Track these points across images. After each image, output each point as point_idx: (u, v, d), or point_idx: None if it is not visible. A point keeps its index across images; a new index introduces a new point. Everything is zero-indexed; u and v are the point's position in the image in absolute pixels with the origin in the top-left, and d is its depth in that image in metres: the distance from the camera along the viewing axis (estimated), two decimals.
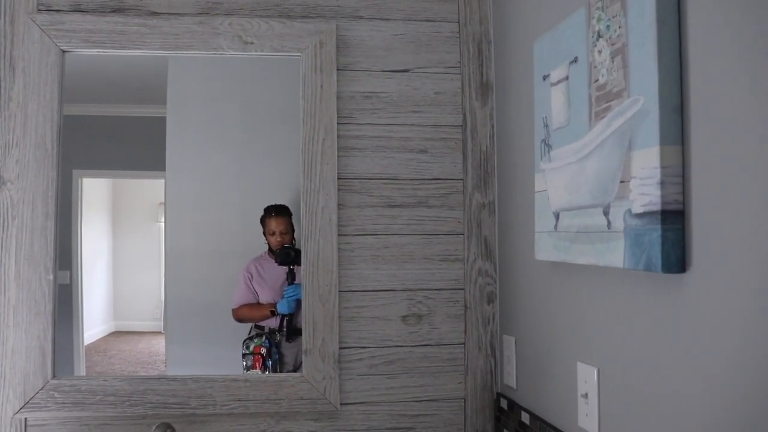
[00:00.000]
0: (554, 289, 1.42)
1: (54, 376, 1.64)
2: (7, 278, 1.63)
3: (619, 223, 1.05)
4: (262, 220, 1.80)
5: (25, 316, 1.63)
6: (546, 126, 1.36)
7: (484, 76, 1.82)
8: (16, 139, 1.66)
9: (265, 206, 1.81)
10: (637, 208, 0.99)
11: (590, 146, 1.15)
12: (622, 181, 1.04)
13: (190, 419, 1.68)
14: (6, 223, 1.64)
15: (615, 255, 1.06)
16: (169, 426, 1.54)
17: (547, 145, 1.35)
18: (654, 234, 0.95)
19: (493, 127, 1.82)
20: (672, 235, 0.94)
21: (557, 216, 1.30)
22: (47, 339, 1.63)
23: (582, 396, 1.26)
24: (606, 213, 1.09)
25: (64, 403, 1.63)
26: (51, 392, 1.63)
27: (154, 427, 1.54)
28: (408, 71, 1.80)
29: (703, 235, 0.91)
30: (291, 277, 1.80)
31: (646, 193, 0.97)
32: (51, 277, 1.64)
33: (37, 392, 1.62)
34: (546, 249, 1.37)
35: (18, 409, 1.62)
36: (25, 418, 1.64)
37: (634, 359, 1.09)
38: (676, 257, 0.94)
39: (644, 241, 0.98)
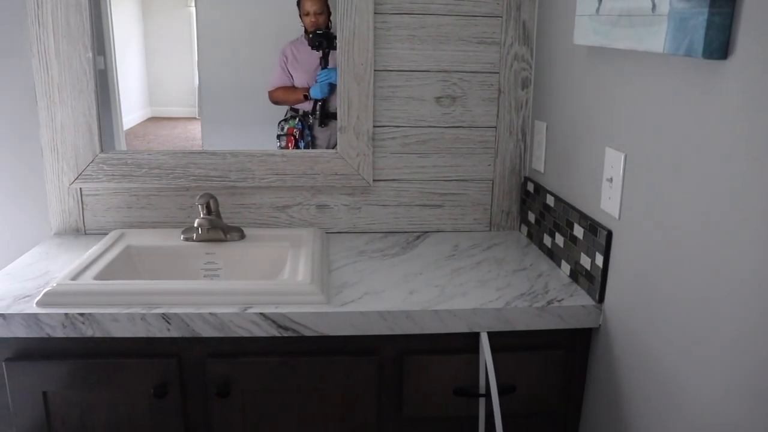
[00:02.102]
0: (590, 75, 1.41)
1: (102, 150, 1.72)
2: (48, 56, 1.66)
3: (664, 6, 1.01)
4: (298, 2, 1.76)
5: (69, 93, 1.68)
6: None
7: None
8: None
9: None
10: None
11: None
12: None
13: (231, 191, 1.78)
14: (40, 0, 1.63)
15: (656, 39, 1.04)
16: (211, 196, 1.63)
17: None
18: (700, 18, 0.93)
19: None
20: (718, 19, 0.91)
21: None
22: (92, 115, 1.70)
23: (607, 180, 1.30)
24: None
25: (113, 175, 1.73)
26: (100, 165, 1.72)
27: (198, 197, 1.63)
28: None
29: (751, 23, 0.88)
30: (325, 62, 1.79)
31: None
32: (90, 55, 1.66)
33: (88, 165, 1.72)
34: (585, 33, 1.34)
35: (73, 179, 1.72)
36: (80, 188, 1.75)
37: (663, 146, 1.10)
38: (719, 43, 0.92)
39: (688, 25, 0.95)
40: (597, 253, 1.34)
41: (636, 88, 1.20)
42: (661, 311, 1.11)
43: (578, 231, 1.44)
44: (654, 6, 1.05)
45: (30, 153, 1.75)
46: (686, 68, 1.03)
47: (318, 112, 1.83)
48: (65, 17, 1.64)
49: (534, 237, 1.74)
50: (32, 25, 1.64)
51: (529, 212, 1.78)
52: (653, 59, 1.13)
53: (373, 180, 1.80)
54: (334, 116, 1.78)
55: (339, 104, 1.73)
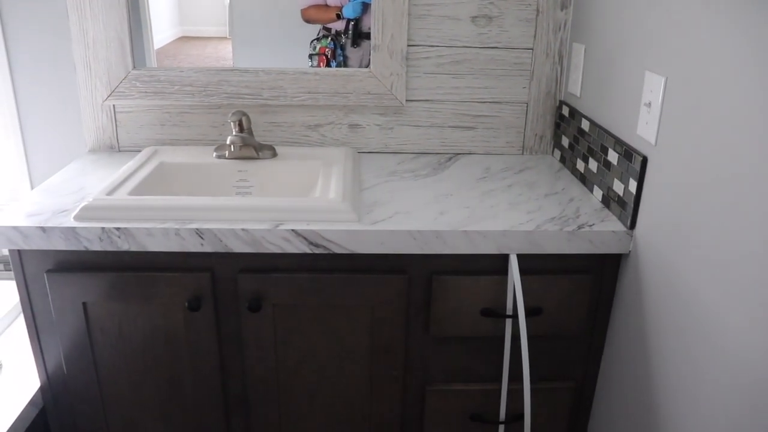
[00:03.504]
0: None
1: (134, 67, 1.72)
2: None
3: None
4: None
5: (101, 8, 1.66)
6: None
7: None
8: None
9: None
10: None
11: None
12: None
13: (263, 109, 1.78)
14: None
15: None
16: (244, 114, 1.63)
17: None
18: None
19: None
20: None
21: None
22: (124, 30, 1.68)
23: (645, 105, 1.27)
24: None
25: (146, 92, 1.73)
26: (133, 82, 1.72)
27: (230, 114, 1.63)
28: None
29: None
30: None
31: None
32: None
33: (121, 82, 1.72)
34: None
35: (106, 96, 1.73)
36: (114, 105, 1.76)
37: (706, 73, 1.06)
38: None
39: None
40: (631, 179, 1.32)
41: (683, 6, 1.15)
42: (694, 240, 1.10)
43: (612, 156, 1.41)
44: None
45: (63, 70, 1.76)
46: None
47: (350, 32, 1.80)
48: None
49: (567, 162, 1.72)
50: None
51: (563, 136, 1.75)
52: None
53: (406, 100, 1.78)
54: (366, 36, 1.75)
55: (373, 22, 1.70)
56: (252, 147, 1.64)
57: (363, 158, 1.78)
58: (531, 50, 1.76)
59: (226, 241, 1.29)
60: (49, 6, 1.71)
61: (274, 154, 1.68)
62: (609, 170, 1.43)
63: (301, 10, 1.81)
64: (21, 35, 1.74)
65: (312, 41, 1.82)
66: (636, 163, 1.30)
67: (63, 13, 1.69)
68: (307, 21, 1.82)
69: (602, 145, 1.47)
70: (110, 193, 1.40)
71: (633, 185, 1.31)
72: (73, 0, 1.66)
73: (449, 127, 1.82)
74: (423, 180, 1.62)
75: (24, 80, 1.77)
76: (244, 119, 1.62)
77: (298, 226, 1.30)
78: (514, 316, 1.38)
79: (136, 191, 1.45)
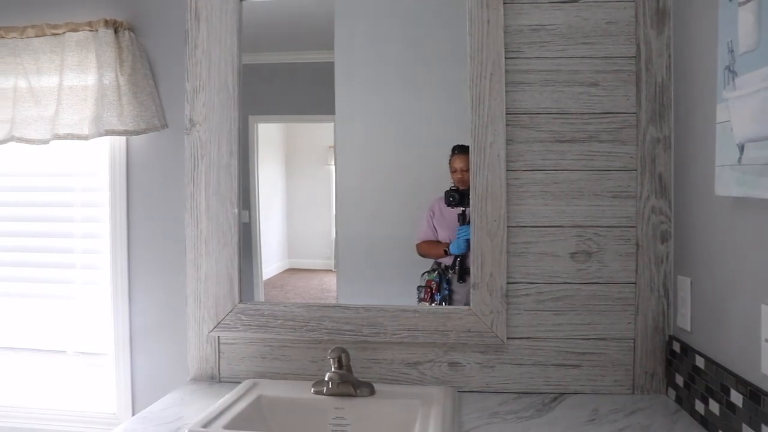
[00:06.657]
0: (737, 227, 1.34)
1: (241, 301, 1.80)
2: (199, 212, 1.81)
3: None
4: (449, 159, 1.83)
5: (214, 247, 1.80)
6: (731, 51, 1.26)
7: (660, 2, 1.71)
8: (202, 83, 1.81)
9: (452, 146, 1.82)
10: None
11: None
12: None
13: (363, 346, 1.78)
14: (196, 162, 1.81)
15: None
16: (343, 350, 1.64)
17: (732, 71, 1.25)
18: None
19: (669, 56, 1.70)
20: None
21: (742, 148, 1.22)
22: (234, 267, 1.80)
23: (766, 341, 1.19)
24: None
25: (249, 325, 1.79)
26: (238, 315, 1.79)
27: (330, 351, 1.64)
28: (577, 1, 1.72)
29: None
30: (463, 218, 1.82)
31: None
32: (235, 210, 1.79)
33: (227, 314, 1.79)
34: (728, 184, 1.29)
35: (212, 328, 1.80)
36: (218, 336, 1.82)
37: None
38: None
39: None
40: (763, 426, 1.19)
41: None
42: None
43: (736, 397, 1.30)
44: None
45: (176, 301, 1.89)
46: None
47: (457, 267, 1.84)
48: (216, 177, 1.80)
49: (684, 402, 1.59)
50: (188, 185, 1.82)
51: (677, 374, 1.64)
52: None
53: (507, 338, 1.75)
54: None
55: (472, 261, 1.73)
56: (350, 384, 1.62)
57: (463, 398, 1.71)
58: (634, 284, 1.73)
59: None
60: (171, 244, 1.90)
61: (372, 392, 1.64)
62: (734, 413, 1.31)
63: (416, 244, 1.88)
64: (142, 270, 1.93)
65: (423, 273, 1.86)
66: (766, 407, 1.18)
67: (181, 251, 1.84)
68: (422, 255, 1.88)
69: (722, 385, 1.36)
70: (206, 425, 1.41)
71: None
72: (191, 240, 1.81)
73: (553, 365, 1.75)
74: (526, 423, 1.53)
75: (139, 314, 1.92)
76: (343, 356, 1.63)
77: None
78: None
79: (232, 424, 1.45)
